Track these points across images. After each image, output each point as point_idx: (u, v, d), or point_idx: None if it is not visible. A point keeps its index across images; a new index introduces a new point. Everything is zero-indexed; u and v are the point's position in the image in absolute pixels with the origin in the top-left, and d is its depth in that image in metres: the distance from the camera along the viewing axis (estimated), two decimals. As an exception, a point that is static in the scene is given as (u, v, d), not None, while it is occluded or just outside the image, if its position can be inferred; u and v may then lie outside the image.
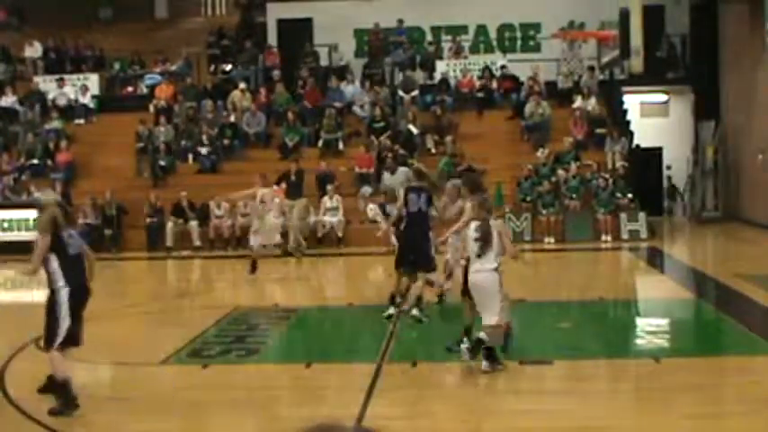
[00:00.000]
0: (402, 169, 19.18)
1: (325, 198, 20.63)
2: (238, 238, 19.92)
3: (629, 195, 20.87)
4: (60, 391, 7.69)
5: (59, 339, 7.70)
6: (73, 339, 7.82)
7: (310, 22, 26.33)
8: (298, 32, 26.16)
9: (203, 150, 22.82)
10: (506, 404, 8.14)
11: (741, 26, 23.40)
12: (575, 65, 24.76)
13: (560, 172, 21.08)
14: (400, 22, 26.07)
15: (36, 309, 11.33)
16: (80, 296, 7.88)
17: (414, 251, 11.40)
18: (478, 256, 8.72)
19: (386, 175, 19.98)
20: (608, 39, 23.96)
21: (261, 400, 8.25)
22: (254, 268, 15.45)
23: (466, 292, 9.26)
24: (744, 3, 22.96)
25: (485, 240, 8.68)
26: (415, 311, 11.27)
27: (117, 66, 26.88)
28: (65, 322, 7.71)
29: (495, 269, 8.74)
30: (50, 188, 21.65)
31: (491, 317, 8.75)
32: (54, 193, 8.92)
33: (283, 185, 19.38)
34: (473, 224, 8.85)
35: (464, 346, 8.85)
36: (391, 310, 11.49)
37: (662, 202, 25.82)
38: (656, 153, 25.67)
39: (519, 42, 26.80)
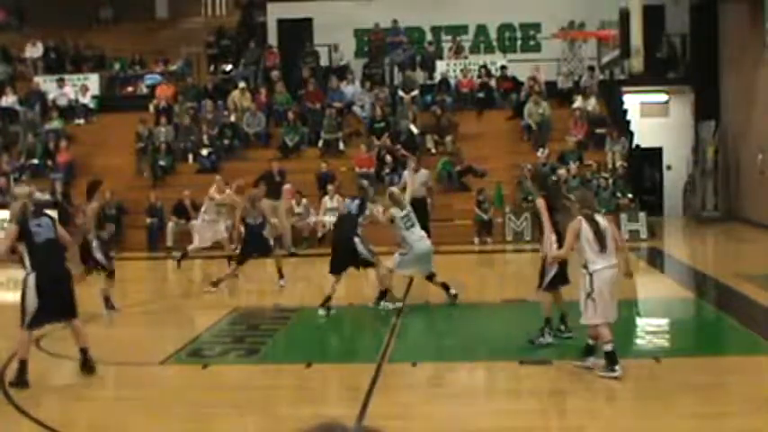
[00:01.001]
0: (424, 171, 19.10)
1: (326, 198, 20.64)
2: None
3: (630, 195, 20.88)
4: (19, 368, 8.49)
5: (27, 320, 8.47)
6: (43, 321, 8.65)
7: (310, 22, 26.33)
8: (298, 32, 26.16)
9: (204, 152, 22.82)
10: (506, 404, 8.14)
11: (741, 26, 23.41)
12: (575, 65, 24.77)
13: (561, 172, 21.07)
14: (395, 22, 26.07)
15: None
16: (49, 281, 8.51)
17: (345, 252, 12.22)
18: (602, 252, 8.46)
19: (407, 173, 19.83)
20: (608, 39, 23.96)
21: (261, 400, 8.24)
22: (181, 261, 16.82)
23: (554, 286, 9.59)
24: (744, 3, 22.96)
25: (603, 235, 8.47)
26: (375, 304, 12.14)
27: (117, 66, 26.90)
28: (31, 306, 8.46)
29: (615, 264, 8.58)
30: (51, 188, 21.78)
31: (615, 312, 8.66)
32: (28, 186, 9.49)
33: (262, 186, 19.27)
34: (584, 222, 8.55)
35: (592, 360, 8.70)
36: (383, 305, 12.04)
37: (662, 202, 25.82)
38: (656, 153, 25.67)
39: (519, 42, 26.81)
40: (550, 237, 9.56)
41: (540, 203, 9.75)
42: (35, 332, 8.90)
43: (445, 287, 12.49)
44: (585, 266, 8.53)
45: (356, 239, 12.19)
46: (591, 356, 8.71)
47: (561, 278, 9.72)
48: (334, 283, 12.18)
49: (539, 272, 9.83)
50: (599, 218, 8.65)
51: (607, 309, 8.51)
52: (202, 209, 17.89)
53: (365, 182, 14.13)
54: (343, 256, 12.23)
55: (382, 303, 12.22)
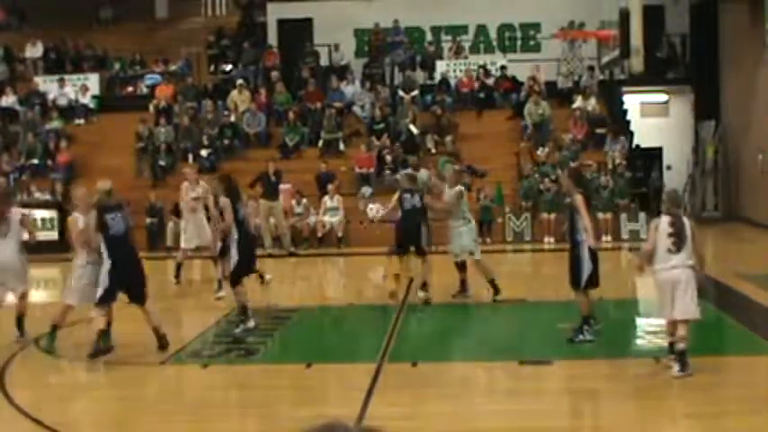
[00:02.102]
0: (424, 171, 19.19)
1: (326, 198, 20.64)
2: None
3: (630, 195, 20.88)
4: (97, 339, 9.52)
5: (100, 298, 9.57)
6: (111, 298, 9.72)
7: (310, 22, 26.33)
8: (298, 32, 26.16)
9: (203, 153, 22.81)
10: (506, 404, 8.13)
11: (741, 26, 23.40)
12: (575, 65, 24.76)
13: (560, 172, 21.05)
14: (396, 22, 26.08)
15: (35, 309, 11.35)
16: (122, 269, 9.60)
17: (411, 242, 12.60)
18: (670, 251, 8.48)
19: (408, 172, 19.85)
20: (608, 39, 23.95)
21: (261, 400, 8.25)
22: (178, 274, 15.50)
23: (591, 284, 9.71)
24: (744, 3, 22.96)
25: (679, 236, 8.47)
26: (421, 293, 12.46)
27: (117, 66, 26.88)
28: (103, 283, 9.56)
29: (692, 266, 8.53)
30: (51, 188, 21.77)
31: (686, 312, 8.53)
32: (108, 182, 10.17)
33: (258, 188, 19.25)
34: (665, 219, 8.58)
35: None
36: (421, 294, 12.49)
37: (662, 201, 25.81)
38: (656, 153, 25.66)
39: (519, 42, 26.80)
40: (591, 231, 9.74)
41: (579, 200, 9.83)
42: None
43: (464, 285, 12.74)
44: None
45: (423, 229, 12.68)
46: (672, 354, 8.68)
47: (594, 280, 9.78)
48: (400, 266, 12.67)
49: (569, 269, 9.84)
50: (685, 218, 8.64)
51: (663, 307, 8.57)
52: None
53: (408, 173, 14.27)
54: (411, 243, 12.62)
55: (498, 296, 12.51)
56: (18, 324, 10.63)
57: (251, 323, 10.89)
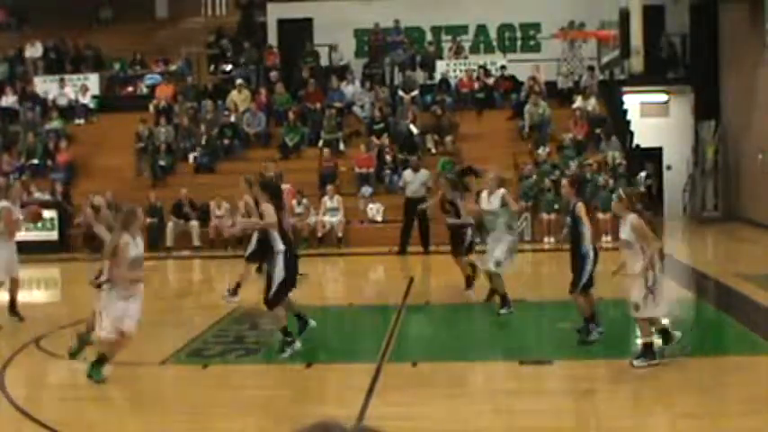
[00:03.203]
0: (424, 171, 19.27)
1: (326, 198, 20.64)
2: (239, 239, 19.84)
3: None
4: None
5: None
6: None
7: (310, 22, 26.34)
8: (298, 32, 26.17)
9: (195, 153, 22.78)
10: (506, 404, 8.13)
11: (741, 26, 23.40)
12: (575, 65, 24.75)
13: (557, 172, 21.04)
14: (396, 22, 26.08)
15: (35, 310, 11.35)
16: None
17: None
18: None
19: (407, 173, 19.84)
20: (608, 39, 23.95)
21: (261, 400, 8.24)
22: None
23: (586, 288, 9.75)
24: (744, 3, 22.96)
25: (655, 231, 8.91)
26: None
27: (117, 66, 26.88)
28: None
29: None
30: (51, 188, 21.73)
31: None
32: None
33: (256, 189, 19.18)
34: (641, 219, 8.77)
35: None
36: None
37: (662, 201, 25.81)
38: (656, 153, 25.66)
39: (519, 42, 26.81)
40: (589, 238, 9.73)
41: (581, 208, 9.81)
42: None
43: (493, 293, 12.34)
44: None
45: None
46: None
47: (591, 281, 9.81)
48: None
49: (572, 272, 9.81)
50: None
51: (665, 303, 8.89)
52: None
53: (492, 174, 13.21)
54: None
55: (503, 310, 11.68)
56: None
57: (298, 344, 9.73)
